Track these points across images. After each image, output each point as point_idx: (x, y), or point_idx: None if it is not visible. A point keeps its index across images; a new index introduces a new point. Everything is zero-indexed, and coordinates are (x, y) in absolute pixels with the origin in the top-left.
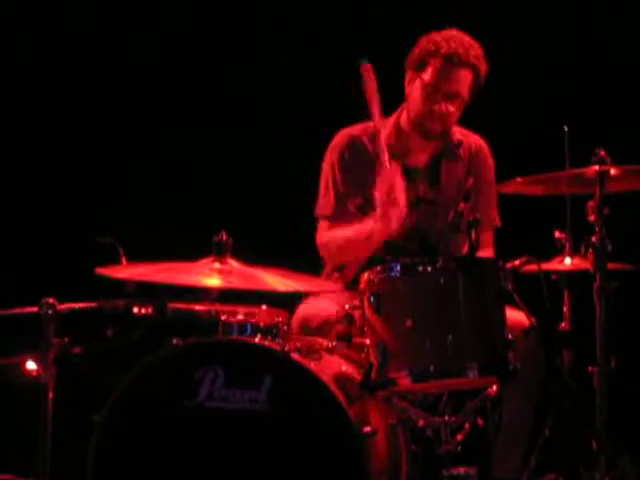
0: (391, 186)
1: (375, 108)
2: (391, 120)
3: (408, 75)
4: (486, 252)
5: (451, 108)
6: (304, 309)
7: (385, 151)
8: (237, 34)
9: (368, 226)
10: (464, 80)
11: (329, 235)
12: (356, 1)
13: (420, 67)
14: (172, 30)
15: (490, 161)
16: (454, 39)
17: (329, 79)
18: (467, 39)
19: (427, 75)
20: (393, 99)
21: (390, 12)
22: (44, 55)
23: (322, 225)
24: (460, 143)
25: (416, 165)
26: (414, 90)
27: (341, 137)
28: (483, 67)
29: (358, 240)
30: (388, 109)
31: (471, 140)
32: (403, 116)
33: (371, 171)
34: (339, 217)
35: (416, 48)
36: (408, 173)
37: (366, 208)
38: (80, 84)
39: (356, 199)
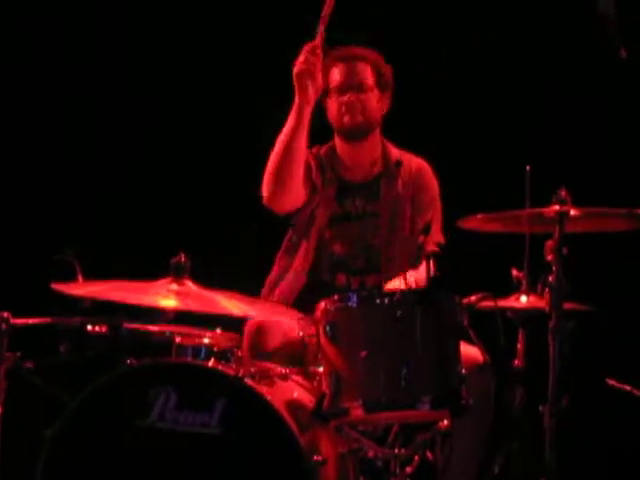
0: (313, 50)
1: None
2: (330, 143)
3: (324, 103)
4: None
5: (361, 96)
6: (257, 325)
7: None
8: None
9: (289, 119)
10: (362, 70)
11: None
12: None
13: (326, 83)
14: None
15: (433, 181)
16: (345, 47)
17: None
18: (358, 47)
19: (332, 82)
20: None
21: None
22: None
23: None
24: (399, 163)
25: (354, 180)
26: (330, 104)
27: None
28: (381, 61)
29: (286, 130)
30: None
31: (412, 162)
32: (335, 139)
33: (319, 173)
34: None
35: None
36: (346, 188)
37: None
38: (34, 102)
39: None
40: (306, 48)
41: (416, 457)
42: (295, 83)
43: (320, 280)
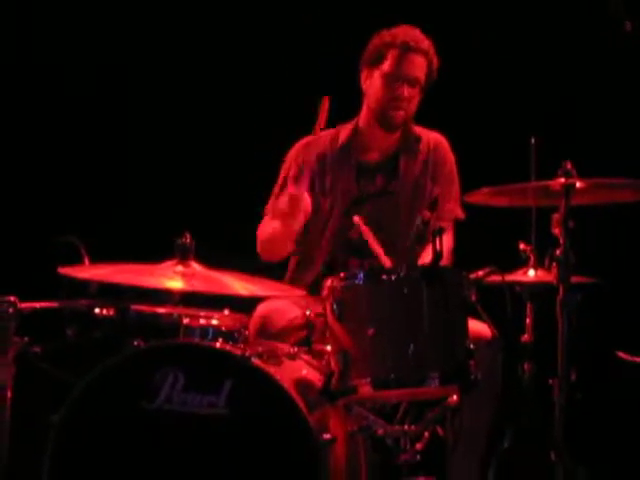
0: (296, 200)
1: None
2: (352, 122)
3: (364, 73)
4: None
5: (411, 92)
6: (264, 309)
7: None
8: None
9: (275, 226)
10: (420, 65)
11: (262, 228)
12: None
13: (377, 60)
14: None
15: (450, 155)
16: (407, 30)
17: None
18: (418, 32)
19: (386, 65)
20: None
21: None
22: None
23: (264, 220)
24: (419, 138)
25: (374, 160)
26: (374, 82)
27: (297, 146)
28: (435, 57)
29: (275, 234)
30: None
31: (430, 136)
32: (362, 113)
33: (322, 167)
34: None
35: (369, 46)
36: (365, 169)
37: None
38: (42, 85)
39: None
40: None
41: (426, 433)
42: (276, 216)
43: (334, 262)
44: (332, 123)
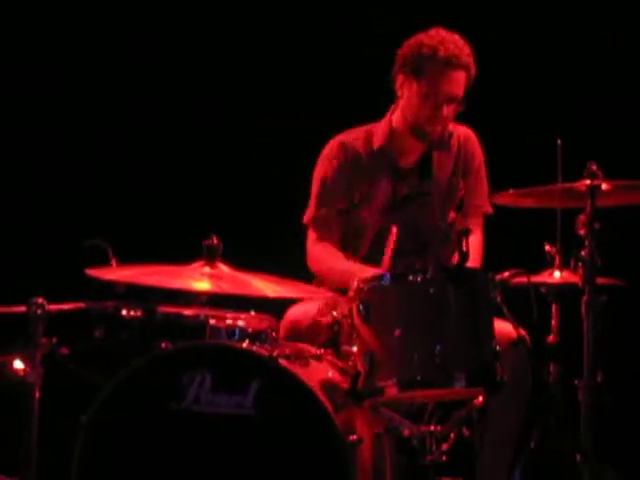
0: None
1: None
2: (383, 123)
3: (400, 77)
4: (474, 236)
5: (450, 110)
6: (294, 312)
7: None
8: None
9: (347, 272)
10: (461, 82)
11: (317, 254)
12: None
13: (416, 71)
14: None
15: (479, 150)
16: (447, 41)
17: (320, 85)
18: (457, 38)
19: (426, 81)
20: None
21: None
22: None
23: (310, 234)
24: (451, 134)
25: (409, 163)
26: (412, 96)
27: (332, 145)
28: (474, 66)
29: (337, 277)
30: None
31: (460, 131)
32: (396, 117)
33: (359, 174)
34: (320, 223)
35: (407, 51)
36: (400, 171)
37: (349, 212)
38: (74, 83)
39: (338, 202)
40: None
41: (452, 434)
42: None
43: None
44: (359, 118)
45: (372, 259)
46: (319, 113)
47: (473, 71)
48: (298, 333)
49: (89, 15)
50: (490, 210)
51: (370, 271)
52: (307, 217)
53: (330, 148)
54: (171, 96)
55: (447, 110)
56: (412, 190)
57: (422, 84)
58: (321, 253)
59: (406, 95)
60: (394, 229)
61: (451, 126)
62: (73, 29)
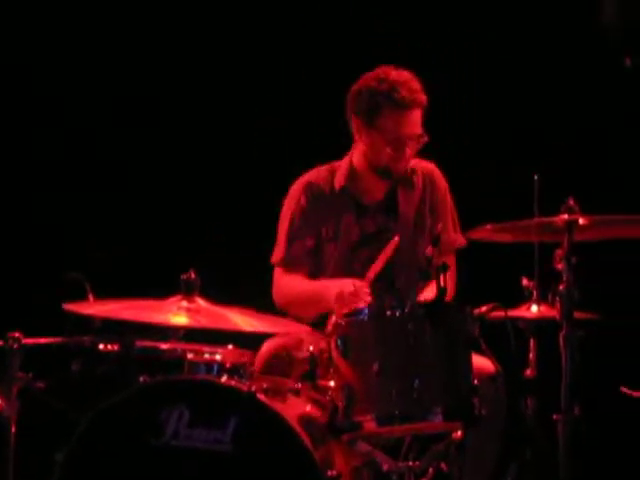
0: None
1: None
2: (344, 162)
3: (356, 121)
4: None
5: (411, 150)
6: (270, 345)
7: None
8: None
9: (319, 292)
10: (418, 119)
11: (284, 283)
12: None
13: (371, 114)
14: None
15: (442, 183)
16: (398, 84)
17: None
18: (408, 76)
19: (385, 125)
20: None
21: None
22: None
23: (276, 272)
24: (414, 170)
25: (373, 201)
26: (372, 139)
27: (297, 185)
28: (426, 98)
29: (308, 301)
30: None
31: (422, 166)
32: (356, 157)
33: (325, 213)
34: (289, 262)
35: (359, 96)
36: (365, 209)
37: (317, 250)
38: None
39: (307, 241)
40: (361, 290)
41: (430, 469)
42: (335, 297)
43: None
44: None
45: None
46: (287, 154)
47: (426, 103)
48: (275, 367)
49: (83, 13)
50: (463, 242)
51: (346, 283)
52: (275, 257)
53: (296, 188)
54: (146, 133)
55: (410, 148)
56: (379, 227)
57: (381, 130)
58: (289, 282)
59: (365, 140)
60: (396, 238)
61: (413, 162)
62: (71, 30)
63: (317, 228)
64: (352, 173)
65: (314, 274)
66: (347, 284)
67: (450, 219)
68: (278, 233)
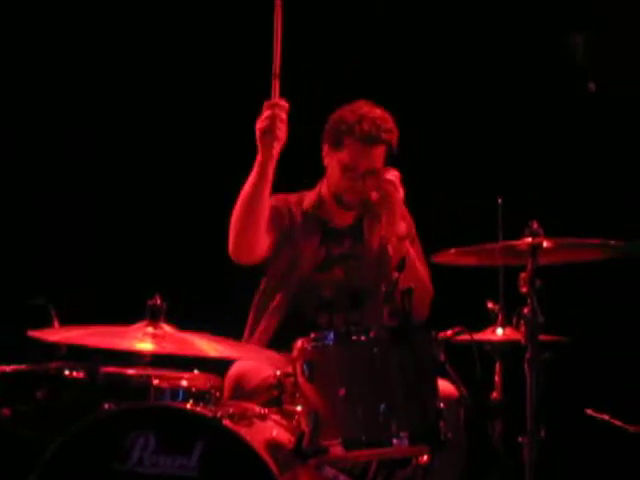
0: (277, 109)
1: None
2: (313, 191)
3: (325, 148)
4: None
5: (369, 183)
6: (237, 369)
7: (276, 84)
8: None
9: (251, 175)
10: (379, 156)
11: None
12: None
13: (334, 145)
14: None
15: (395, 181)
16: (366, 118)
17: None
18: (378, 113)
19: (343, 155)
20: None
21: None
22: None
23: None
24: (379, 198)
25: (340, 225)
26: (332, 167)
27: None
28: (395, 137)
29: (249, 184)
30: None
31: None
32: (324, 185)
33: (293, 230)
34: None
35: (330, 123)
36: (333, 233)
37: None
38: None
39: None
40: (266, 104)
41: None
42: (258, 140)
43: (303, 320)
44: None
45: (302, 307)
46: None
47: (395, 143)
48: (241, 392)
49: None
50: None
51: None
52: None
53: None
54: (114, 155)
55: (364, 183)
56: (345, 252)
57: (341, 157)
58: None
59: (328, 165)
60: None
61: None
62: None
63: (282, 235)
64: (320, 201)
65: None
66: (261, 117)
67: (400, 211)
68: None
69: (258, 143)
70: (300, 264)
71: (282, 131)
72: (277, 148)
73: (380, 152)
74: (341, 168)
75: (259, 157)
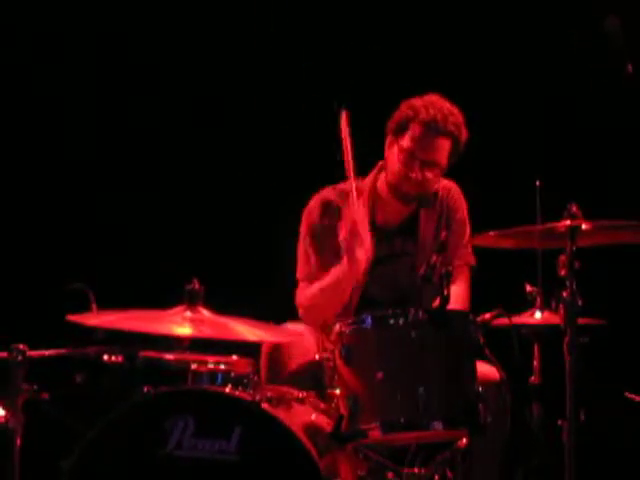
0: (355, 224)
1: (347, 155)
2: (367, 182)
3: (388, 139)
4: (458, 286)
5: (428, 175)
6: (277, 352)
7: (354, 190)
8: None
9: (337, 271)
10: (442, 148)
11: (304, 293)
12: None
13: (399, 132)
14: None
15: (462, 202)
16: (433, 106)
17: (309, 133)
18: (447, 106)
19: (405, 141)
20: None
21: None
22: None
23: (301, 286)
24: (436, 194)
25: (392, 224)
26: (392, 154)
27: (314, 202)
28: (463, 135)
29: (329, 288)
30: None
31: (441, 185)
32: (380, 179)
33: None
34: (310, 277)
35: (396, 112)
36: (384, 232)
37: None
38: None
39: (325, 257)
40: (347, 225)
41: (436, 476)
42: (344, 251)
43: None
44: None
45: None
46: (302, 158)
47: (462, 140)
48: (280, 376)
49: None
50: (473, 261)
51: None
52: (304, 274)
53: (313, 205)
54: (154, 141)
55: (424, 174)
56: (394, 251)
57: (402, 142)
58: (308, 287)
59: (389, 155)
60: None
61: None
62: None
63: (333, 245)
64: (374, 196)
65: None
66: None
67: (465, 236)
68: (299, 249)
69: (346, 255)
70: None
71: (366, 240)
72: (363, 260)
73: (444, 145)
74: (400, 154)
75: (346, 267)
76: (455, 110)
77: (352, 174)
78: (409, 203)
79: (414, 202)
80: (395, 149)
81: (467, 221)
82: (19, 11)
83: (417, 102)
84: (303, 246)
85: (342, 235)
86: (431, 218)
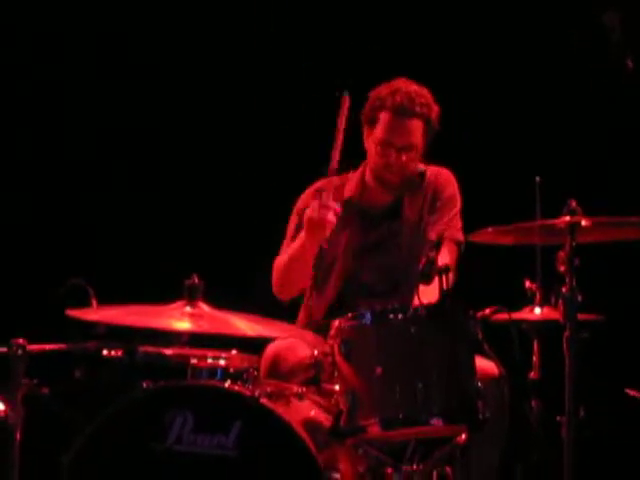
0: (320, 192)
1: (338, 141)
2: (357, 175)
3: (365, 131)
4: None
5: (405, 158)
6: (274, 348)
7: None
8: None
9: (301, 235)
10: (415, 130)
11: (276, 263)
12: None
13: (371, 123)
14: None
15: (451, 182)
16: (399, 91)
17: (309, 132)
18: (414, 88)
19: (378, 132)
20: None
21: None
22: None
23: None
24: (423, 173)
25: (379, 209)
26: (370, 147)
27: (307, 193)
28: (434, 112)
29: (295, 253)
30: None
31: (432, 170)
32: (367, 170)
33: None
34: None
35: (368, 101)
36: (371, 217)
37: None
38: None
39: None
40: (319, 201)
41: (434, 472)
42: (305, 226)
43: (345, 308)
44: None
45: (342, 293)
46: (294, 161)
47: (434, 117)
48: (279, 371)
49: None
50: (462, 238)
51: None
52: (281, 250)
53: (307, 193)
54: (152, 139)
55: (401, 158)
56: (382, 235)
57: (375, 133)
58: (278, 259)
59: (368, 146)
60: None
61: (423, 167)
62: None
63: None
64: (363, 186)
65: (318, 281)
66: (311, 207)
67: (451, 212)
68: (287, 234)
69: (304, 226)
70: (342, 255)
71: (329, 229)
72: (319, 241)
73: (416, 126)
74: (376, 144)
75: (305, 239)
76: (422, 90)
77: (337, 156)
78: (395, 191)
79: (401, 190)
80: (371, 140)
81: (457, 199)
82: (19, 11)
83: (383, 90)
84: (288, 230)
85: (310, 212)
86: (416, 200)
